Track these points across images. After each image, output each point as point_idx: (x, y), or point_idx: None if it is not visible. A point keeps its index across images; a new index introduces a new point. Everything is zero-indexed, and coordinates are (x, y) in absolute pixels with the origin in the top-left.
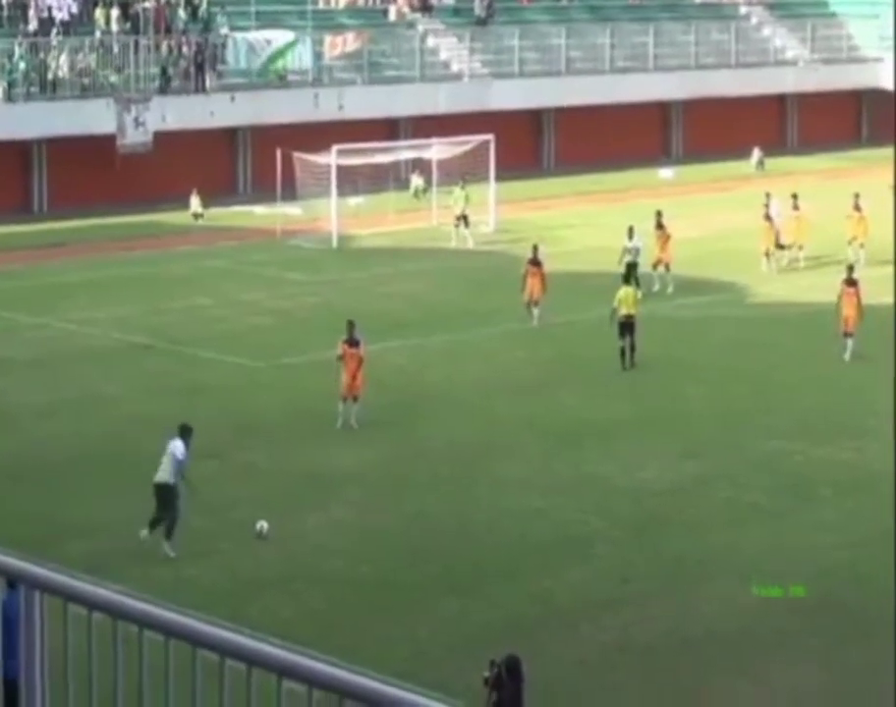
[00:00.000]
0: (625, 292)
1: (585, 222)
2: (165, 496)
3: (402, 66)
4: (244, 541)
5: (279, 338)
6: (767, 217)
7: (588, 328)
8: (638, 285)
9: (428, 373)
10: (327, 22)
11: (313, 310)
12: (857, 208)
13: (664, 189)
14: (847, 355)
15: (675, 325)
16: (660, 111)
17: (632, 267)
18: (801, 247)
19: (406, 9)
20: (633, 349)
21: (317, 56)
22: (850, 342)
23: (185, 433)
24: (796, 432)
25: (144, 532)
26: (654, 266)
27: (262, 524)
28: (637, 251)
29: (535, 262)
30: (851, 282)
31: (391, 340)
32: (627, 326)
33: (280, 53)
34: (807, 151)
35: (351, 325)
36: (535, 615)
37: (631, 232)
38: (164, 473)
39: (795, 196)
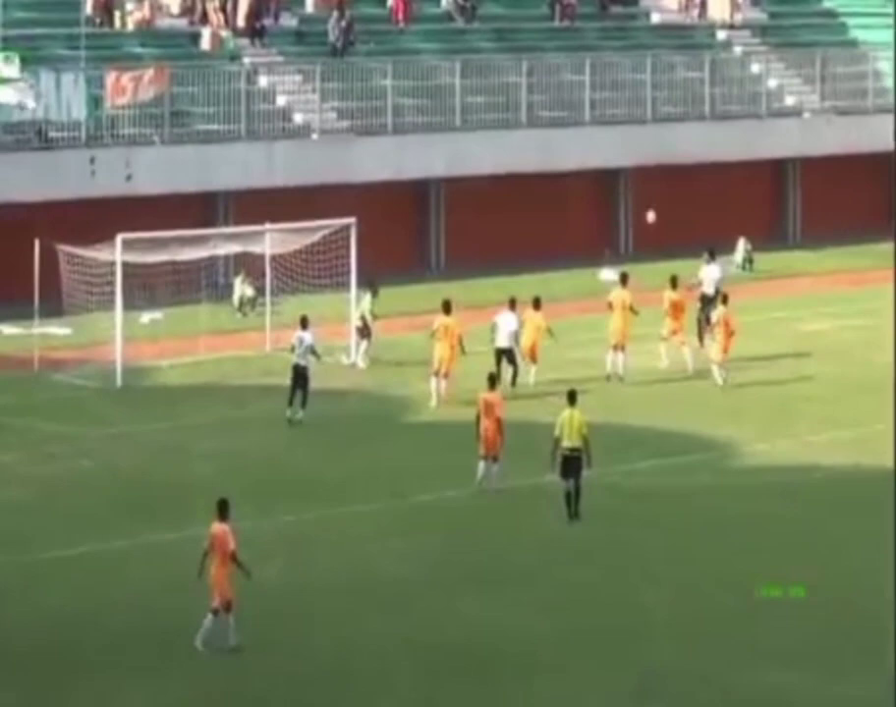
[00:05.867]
0: (568, 416)
1: (490, 348)
2: None
3: (220, 117)
4: None
5: (38, 521)
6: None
7: (500, 500)
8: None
9: (262, 572)
10: (109, 51)
11: (89, 479)
12: (536, 306)
13: (607, 297)
14: None
15: (628, 499)
16: (601, 184)
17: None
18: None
19: (225, 33)
20: (577, 494)
21: (95, 102)
22: None
23: None
24: (798, 659)
25: None
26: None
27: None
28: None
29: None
30: None
31: (205, 523)
32: (571, 463)
33: None
34: (814, 243)
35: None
36: None
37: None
38: None
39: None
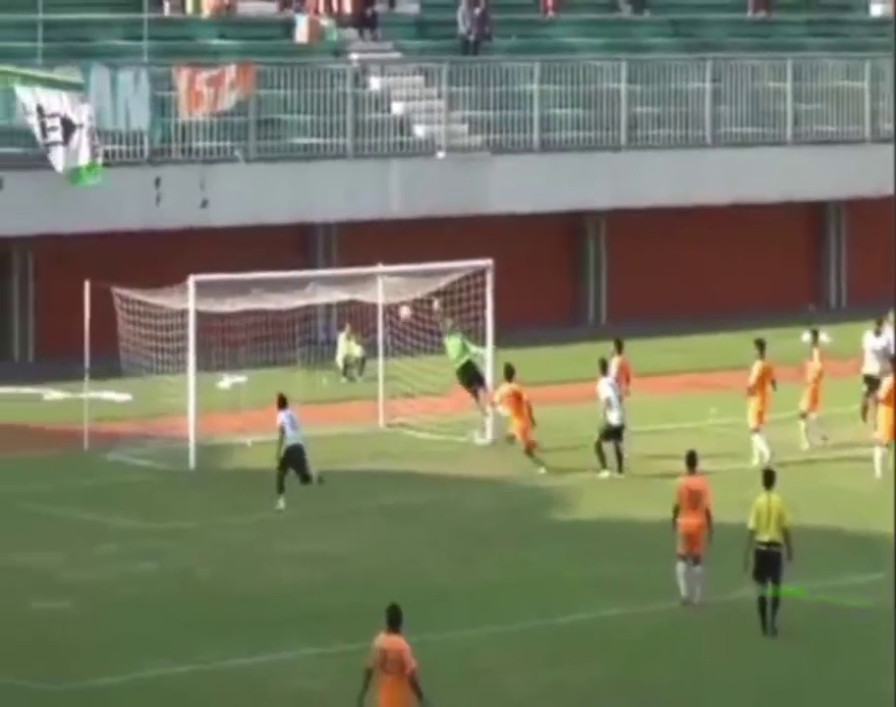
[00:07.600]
0: (765, 503)
1: (665, 426)
2: None
3: (319, 128)
4: None
5: (86, 640)
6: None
7: (676, 620)
8: None
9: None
10: (179, 43)
11: (151, 587)
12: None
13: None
14: None
15: (847, 623)
16: (805, 220)
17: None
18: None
19: (327, 21)
20: (776, 602)
21: (160, 108)
22: None
23: None
24: None
25: None
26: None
27: None
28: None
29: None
30: None
31: (307, 644)
32: (767, 560)
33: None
34: None
35: None
36: None
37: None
38: None
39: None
